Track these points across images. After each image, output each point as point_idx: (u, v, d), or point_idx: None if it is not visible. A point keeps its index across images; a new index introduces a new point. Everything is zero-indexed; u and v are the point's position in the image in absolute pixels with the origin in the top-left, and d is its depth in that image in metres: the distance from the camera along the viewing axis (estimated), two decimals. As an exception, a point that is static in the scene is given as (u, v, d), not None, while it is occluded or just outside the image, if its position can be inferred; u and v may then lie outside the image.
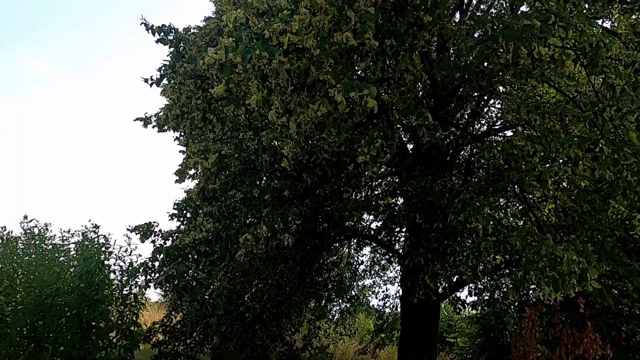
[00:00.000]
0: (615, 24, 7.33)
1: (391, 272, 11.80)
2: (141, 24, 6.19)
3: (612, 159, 5.27)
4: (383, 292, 11.94)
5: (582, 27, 5.02)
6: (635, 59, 5.61)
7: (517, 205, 8.46)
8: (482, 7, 8.53)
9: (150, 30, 6.28)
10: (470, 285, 7.76)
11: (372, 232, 9.26)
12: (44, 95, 31.70)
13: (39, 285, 6.09)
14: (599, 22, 7.14)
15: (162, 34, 6.17)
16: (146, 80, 6.51)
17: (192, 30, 7.09)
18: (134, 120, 7.76)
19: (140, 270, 6.91)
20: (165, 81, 6.39)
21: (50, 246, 7.08)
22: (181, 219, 7.94)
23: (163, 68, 6.60)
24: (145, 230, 7.31)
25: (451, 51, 7.41)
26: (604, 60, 5.37)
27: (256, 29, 3.51)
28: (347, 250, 11.40)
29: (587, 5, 5.83)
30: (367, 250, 11.37)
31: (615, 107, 5.50)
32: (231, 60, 3.46)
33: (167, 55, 6.46)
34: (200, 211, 6.82)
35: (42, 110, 32.51)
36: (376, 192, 9.46)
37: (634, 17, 5.65)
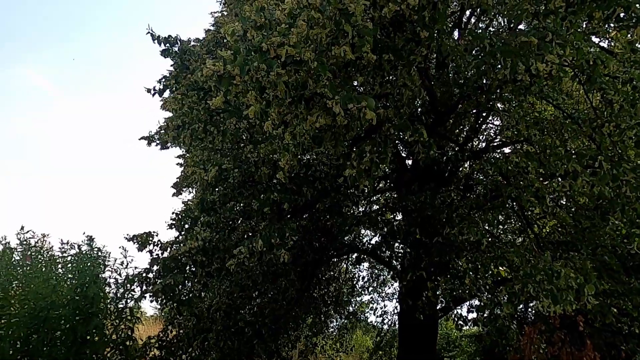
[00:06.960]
0: (612, 43, 7.40)
1: (389, 288, 11.70)
2: (147, 33, 6.25)
3: (611, 175, 5.25)
4: (381, 308, 11.81)
5: (579, 45, 5.07)
6: (632, 76, 5.65)
7: (516, 222, 8.43)
8: (480, 25, 8.62)
9: (156, 41, 6.35)
10: (470, 302, 7.68)
11: (371, 247, 9.21)
12: (43, 109, 31.89)
13: (34, 298, 6.02)
14: (596, 40, 7.22)
15: (167, 44, 6.23)
16: (149, 91, 6.54)
17: (192, 43, 7.15)
18: (139, 139, 7.82)
19: (136, 280, 6.83)
20: (167, 93, 6.41)
21: (47, 258, 7.03)
22: (179, 230, 7.89)
23: (165, 79, 6.64)
24: (144, 240, 7.18)
25: (450, 68, 7.46)
26: (602, 77, 5.41)
27: (254, 42, 3.54)
28: (344, 265, 11.32)
29: (584, 24, 5.89)
30: (365, 265, 11.29)
31: (614, 123, 5.52)
32: (229, 72, 3.49)
33: (171, 66, 6.50)
34: (199, 222, 6.78)
35: (42, 124, 32.66)
36: (375, 207, 9.44)
37: (630, 34, 5.70)
